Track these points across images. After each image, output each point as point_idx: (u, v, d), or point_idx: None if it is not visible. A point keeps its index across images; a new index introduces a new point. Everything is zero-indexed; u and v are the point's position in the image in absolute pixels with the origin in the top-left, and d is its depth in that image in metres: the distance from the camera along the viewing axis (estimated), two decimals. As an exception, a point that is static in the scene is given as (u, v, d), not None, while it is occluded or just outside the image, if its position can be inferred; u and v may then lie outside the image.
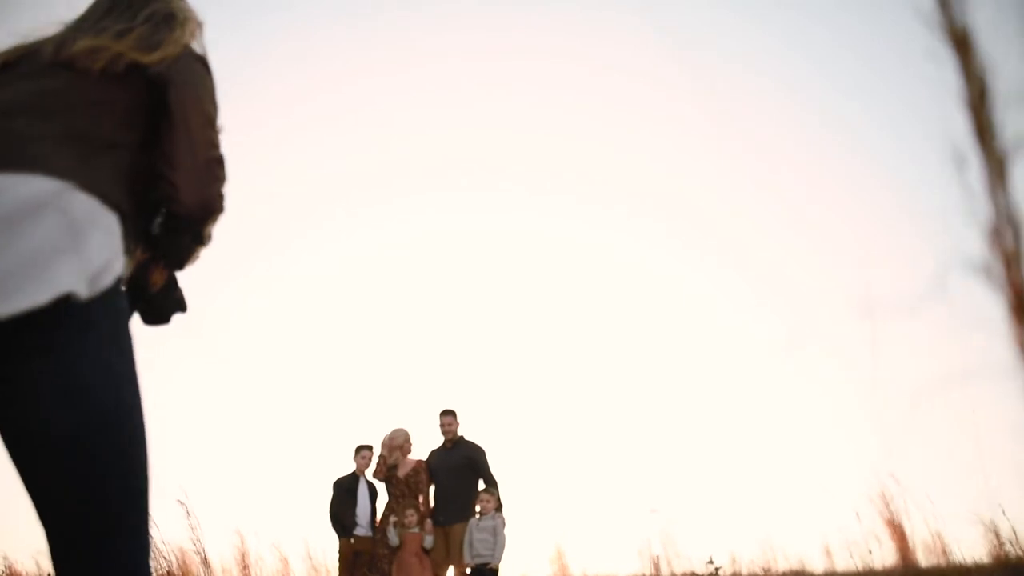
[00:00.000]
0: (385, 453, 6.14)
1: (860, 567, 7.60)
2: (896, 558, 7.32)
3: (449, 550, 5.89)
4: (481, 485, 6.08)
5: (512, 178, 13.30)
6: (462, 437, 6.32)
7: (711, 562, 6.40)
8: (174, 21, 1.30)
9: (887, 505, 7.01)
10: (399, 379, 12.37)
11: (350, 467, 6.42)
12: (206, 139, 1.24)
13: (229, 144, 1.30)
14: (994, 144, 0.47)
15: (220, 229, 1.33)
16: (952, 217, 0.48)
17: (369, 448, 6.45)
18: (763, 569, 7.35)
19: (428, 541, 5.86)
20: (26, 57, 1.19)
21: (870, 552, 6.58)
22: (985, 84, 0.47)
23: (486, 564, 5.61)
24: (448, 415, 6.36)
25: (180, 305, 1.33)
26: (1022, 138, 0.46)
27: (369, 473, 6.31)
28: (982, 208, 0.47)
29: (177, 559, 6.51)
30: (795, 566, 8.36)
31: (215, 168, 1.27)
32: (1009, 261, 0.47)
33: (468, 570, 5.70)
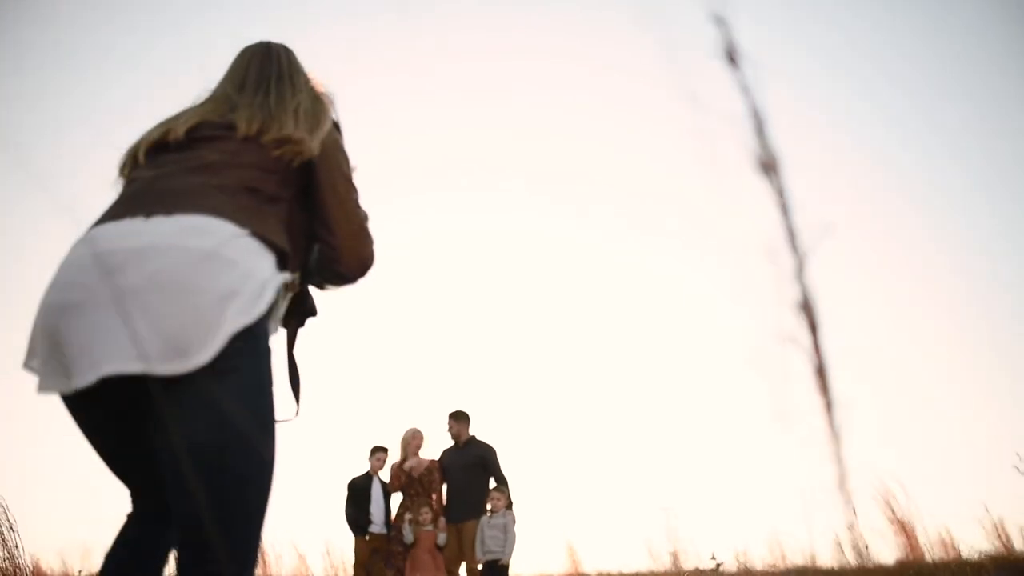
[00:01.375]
0: (405, 466, 6.33)
1: (871, 564, 7.68)
2: (903, 554, 7.41)
3: (462, 547, 6.06)
4: (492, 483, 6.25)
5: (516, 178, 13.43)
6: (473, 437, 6.50)
7: (713, 558, 6.54)
8: (322, 99, 1.52)
9: (890, 502, 7.10)
10: (415, 380, 12.55)
11: (366, 467, 6.61)
12: (353, 203, 1.46)
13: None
14: (797, 242, 0.62)
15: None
16: (769, 297, 0.63)
17: (384, 450, 6.63)
18: (770, 565, 7.46)
19: (441, 538, 6.05)
20: (207, 124, 1.39)
21: (866, 548, 6.65)
22: (787, 198, 0.62)
23: (497, 560, 5.78)
24: (452, 418, 6.55)
25: (313, 311, 1.54)
26: (815, 238, 0.61)
27: (383, 474, 6.51)
28: (791, 291, 0.63)
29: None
30: (806, 562, 8.44)
31: (367, 229, 1.48)
32: (812, 331, 0.63)
33: (480, 566, 5.88)
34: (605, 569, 9.99)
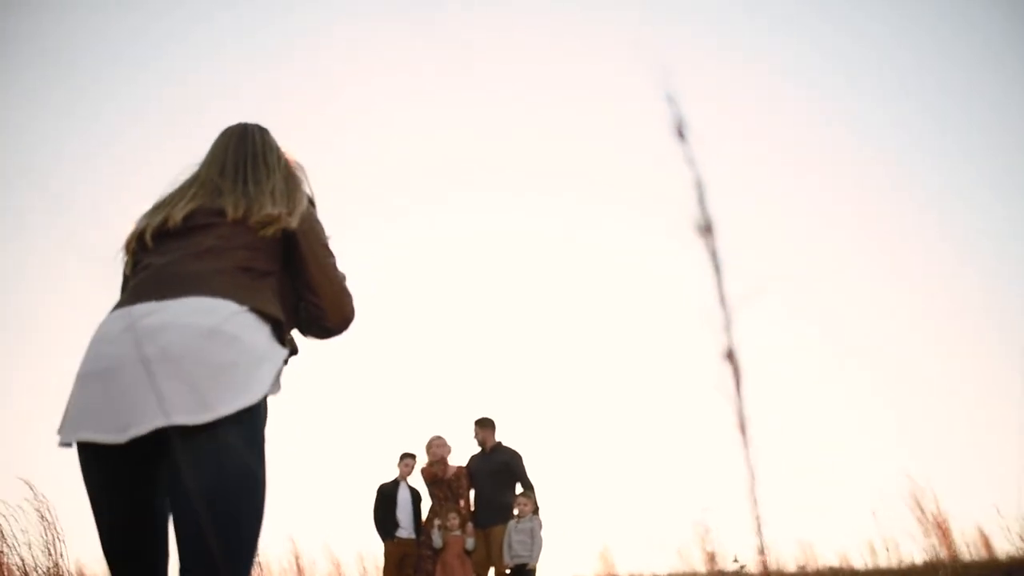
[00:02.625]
0: (427, 465, 6.49)
1: (903, 563, 7.65)
2: (938, 553, 7.37)
3: (489, 551, 6.18)
4: (519, 489, 6.35)
5: (547, 181, 13.50)
6: (499, 443, 6.61)
7: (736, 560, 6.56)
8: (296, 176, 1.74)
9: (919, 501, 7.07)
10: (446, 385, 12.68)
11: (395, 473, 6.76)
12: (332, 267, 1.69)
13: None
14: (726, 302, 0.71)
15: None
16: (703, 349, 0.72)
17: (412, 456, 6.77)
18: (799, 567, 7.45)
19: (470, 543, 6.16)
20: (200, 212, 1.59)
21: (887, 549, 6.64)
22: (719, 260, 0.71)
23: (524, 565, 5.88)
24: (477, 425, 6.67)
25: (295, 350, 1.73)
26: (741, 298, 0.70)
27: (411, 479, 6.66)
28: (719, 343, 0.72)
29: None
30: (839, 563, 8.41)
31: (347, 289, 1.72)
32: (736, 379, 0.72)
33: (508, 571, 5.98)
34: (637, 571, 10.06)
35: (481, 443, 6.63)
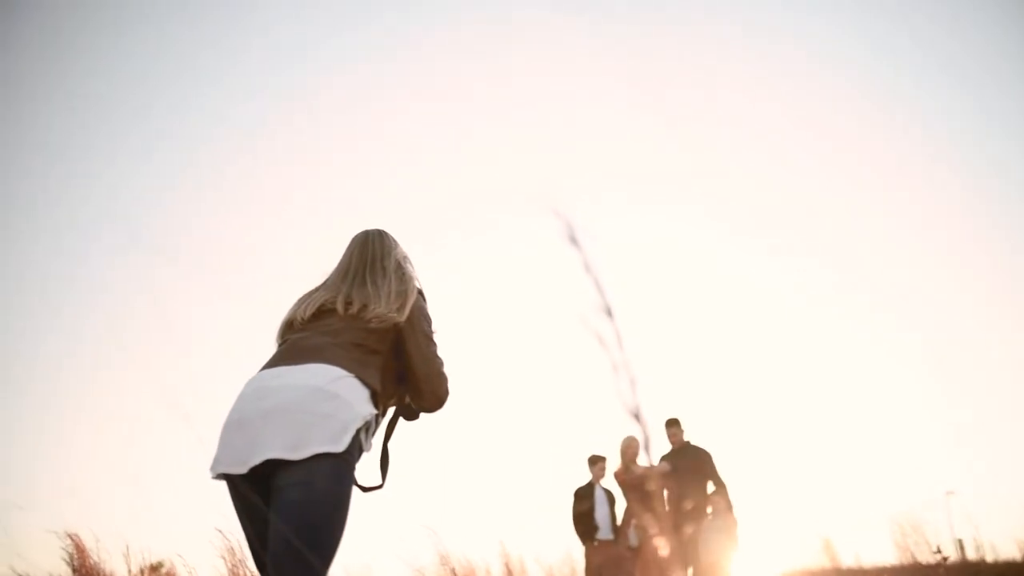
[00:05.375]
0: (621, 467, 6.66)
1: None
2: None
3: (685, 550, 6.22)
4: (711, 487, 6.33)
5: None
6: (689, 443, 6.64)
7: (938, 551, 6.03)
8: (409, 274, 2.11)
9: None
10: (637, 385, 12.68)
11: (588, 477, 6.98)
12: (432, 354, 2.02)
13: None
14: (628, 369, 0.86)
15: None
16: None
17: (603, 459, 6.95)
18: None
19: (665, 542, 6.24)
20: (326, 309, 1.99)
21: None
22: (621, 336, 0.86)
23: (720, 562, 5.88)
24: (671, 426, 6.73)
25: (415, 415, 2.13)
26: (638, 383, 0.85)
27: (605, 481, 6.84)
28: (633, 428, 0.87)
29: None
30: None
31: (443, 373, 2.05)
32: (645, 445, 0.87)
33: (704, 568, 6.00)
34: (861, 561, 9.59)
35: (672, 442, 6.69)
